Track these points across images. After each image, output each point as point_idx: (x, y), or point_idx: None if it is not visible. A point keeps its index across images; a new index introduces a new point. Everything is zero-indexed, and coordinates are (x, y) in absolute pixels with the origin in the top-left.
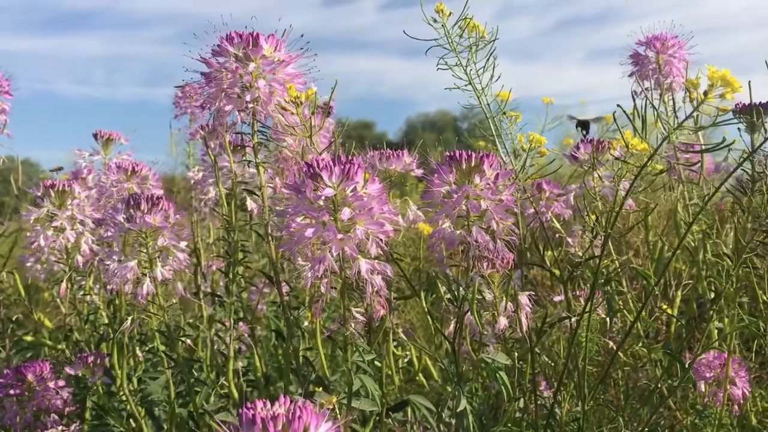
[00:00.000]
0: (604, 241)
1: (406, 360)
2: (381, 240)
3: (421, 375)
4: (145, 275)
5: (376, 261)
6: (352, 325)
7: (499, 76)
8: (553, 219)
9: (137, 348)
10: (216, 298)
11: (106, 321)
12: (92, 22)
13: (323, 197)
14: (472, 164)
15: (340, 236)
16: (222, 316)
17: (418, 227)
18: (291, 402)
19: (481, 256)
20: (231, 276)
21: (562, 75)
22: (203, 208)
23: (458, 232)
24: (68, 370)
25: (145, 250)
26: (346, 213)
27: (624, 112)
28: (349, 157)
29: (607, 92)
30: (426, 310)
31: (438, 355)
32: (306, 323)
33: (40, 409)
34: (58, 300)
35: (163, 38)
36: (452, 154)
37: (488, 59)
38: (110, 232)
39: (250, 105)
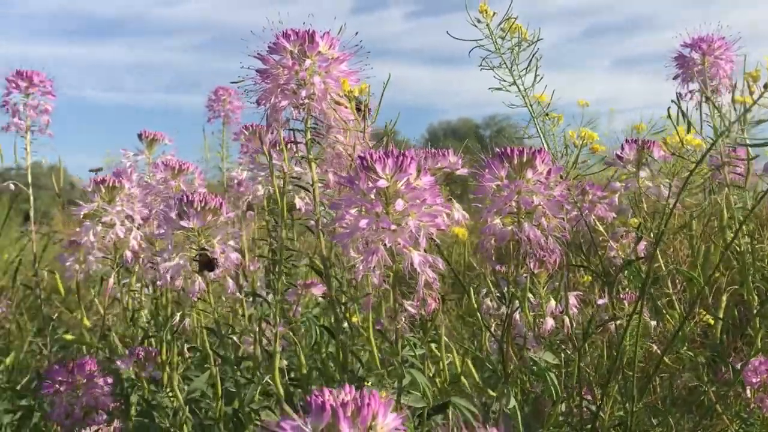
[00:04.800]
0: (656, 241)
1: (447, 362)
2: (432, 233)
3: (463, 378)
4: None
5: (428, 254)
6: (403, 318)
7: (542, 77)
8: (596, 222)
9: (183, 345)
10: (256, 298)
11: (146, 319)
12: (123, 30)
13: (376, 188)
14: (524, 159)
15: (393, 227)
16: (260, 315)
17: (455, 232)
18: (357, 391)
19: (531, 253)
20: (276, 275)
21: (589, 83)
22: (238, 210)
23: (509, 228)
24: (119, 363)
25: (196, 248)
26: (399, 204)
27: (678, 107)
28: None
29: (634, 101)
30: (474, 307)
31: (486, 355)
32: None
33: (87, 405)
34: (96, 300)
35: (192, 46)
36: (503, 149)
37: (531, 60)
38: (163, 230)
39: (305, 101)
